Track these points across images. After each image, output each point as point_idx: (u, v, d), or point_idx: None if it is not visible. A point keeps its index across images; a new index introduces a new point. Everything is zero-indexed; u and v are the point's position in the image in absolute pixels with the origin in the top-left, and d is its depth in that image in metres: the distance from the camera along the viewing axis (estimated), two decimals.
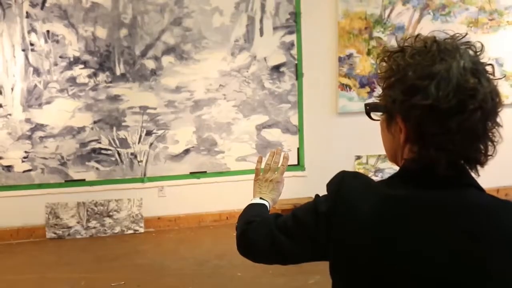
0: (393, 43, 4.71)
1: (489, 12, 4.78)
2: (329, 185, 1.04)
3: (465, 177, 0.95)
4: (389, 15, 4.67)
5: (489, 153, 0.93)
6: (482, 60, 0.93)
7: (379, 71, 0.99)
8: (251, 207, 1.39)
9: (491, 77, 0.92)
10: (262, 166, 1.54)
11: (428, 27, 4.70)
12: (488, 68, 0.93)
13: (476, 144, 0.91)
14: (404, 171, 0.98)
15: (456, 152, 0.90)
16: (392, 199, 0.95)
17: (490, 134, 0.92)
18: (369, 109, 1.04)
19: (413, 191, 0.94)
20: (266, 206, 1.40)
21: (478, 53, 0.93)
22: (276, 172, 1.50)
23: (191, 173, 4.66)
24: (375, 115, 1.04)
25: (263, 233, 1.16)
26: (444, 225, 0.90)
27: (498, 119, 0.92)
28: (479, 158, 0.93)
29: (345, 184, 1.01)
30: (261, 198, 1.43)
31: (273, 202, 1.46)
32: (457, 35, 0.96)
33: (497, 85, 0.92)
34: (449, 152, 0.89)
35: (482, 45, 0.95)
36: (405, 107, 0.91)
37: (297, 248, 1.08)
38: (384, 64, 0.98)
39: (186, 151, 4.62)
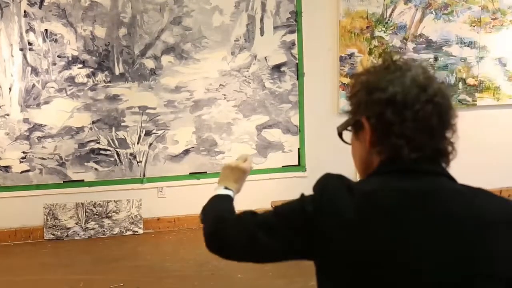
0: (395, 42, 4.70)
1: (492, 12, 4.74)
2: (314, 187, 1.08)
3: (435, 167, 1.02)
4: (391, 14, 4.63)
5: (449, 151, 1.03)
6: (432, 75, 1.06)
7: (348, 93, 1.12)
8: (218, 199, 1.42)
9: (441, 83, 1.04)
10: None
11: (430, 27, 4.67)
12: (440, 83, 1.04)
13: (433, 137, 1.00)
14: (378, 168, 1.05)
15: (415, 140, 0.99)
16: (369, 195, 1.00)
17: (447, 133, 1.02)
18: (341, 128, 1.13)
19: (389, 184, 1.01)
20: (231, 198, 1.44)
21: (429, 71, 1.05)
22: (244, 163, 1.56)
23: (191, 173, 4.62)
24: (347, 138, 1.14)
25: (240, 231, 1.17)
26: (424, 212, 0.96)
27: (453, 122, 1.03)
28: (441, 152, 1.02)
29: (329, 186, 1.05)
30: (226, 187, 1.46)
31: (237, 191, 1.49)
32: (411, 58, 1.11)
33: (447, 90, 1.04)
34: (408, 139, 0.98)
35: (433, 66, 1.11)
36: (368, 105, 1.03)
37: (278, 246, 1.09)
38: (353, 87, 1.09)
39: (186, 152, 4.58)
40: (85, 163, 4.46)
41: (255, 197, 3.80)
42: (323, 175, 1.10)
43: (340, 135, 1.15)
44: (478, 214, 0.97)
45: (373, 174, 1.06)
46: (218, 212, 1.32)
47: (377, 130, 1.02)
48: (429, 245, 0.93)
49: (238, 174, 1.51)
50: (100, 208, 4.53)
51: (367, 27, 4.61)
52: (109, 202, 4.54)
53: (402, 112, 0.98)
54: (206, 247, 1.26)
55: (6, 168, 4.36)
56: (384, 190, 1.00)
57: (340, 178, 1.06)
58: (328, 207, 1.01)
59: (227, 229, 1.22)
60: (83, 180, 4.47)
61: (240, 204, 1.44)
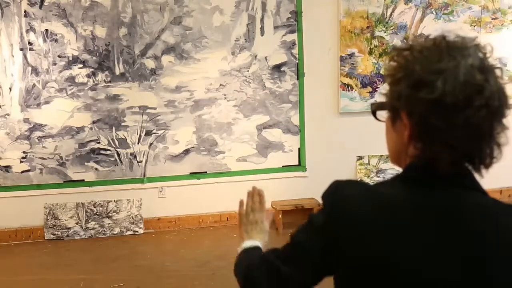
0: (395, 42, 4.70)
1: (492, 11, 4.74)
2: (324, 197, 1.02)
3: (469, 180, 0.93)
4: (391, 14, 4.63)
5: (494, 155, 0.91)
6: (491, 62, 0.92)
7: (386, 71, 0.97)
8: (246, 253, 1.31)
9: (499, 78, 0.91)
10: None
11: (430, 26, 4.67)
12: (497, 71, 0.91)
13: (481, 143, 0.89)
14: (407, 170, 0.96)
15: (460, 149, 0.88)
16: (392, 202, 0.93)
17: (496, 135, 0.90)
18: (375, 108, 1.03)
19: (414, 193, 0.93)
20: (260, 247, 1.33)
21: (487, 54, 0.92)
22: (258, 212, 1.44)
23: (191, 173, 4.62)
24: (381, 115, 1.02)
25: (264, 271, 1.11)
26: (445, 228, 0.89)
27: (505, 121, 0.91)
28: (484, 158, 0.91)
29: (340, 193, 0.98)
30: (249, 239, 1.37)
31: (264, 242, 1.38)
32: (468, 36, 0.95)
33: (505, 86, 0.91)
34: (452, 148, 0.87)
35: (492, 48, 0.93)
36: (410, 102, 0.90)
37: (305, 274, 1.03)
38: (392, 63, 0.96)
39: (186, 151, 4.58)
40: (86, 163, 4.46)
41: None
42: (332, 182, 1.02)
43: (373, 113, 1.04)
44: (505, 233, 0.89)
45: (399, 177, 0.97)
46: (245, 262, 1.24)
47: (418, 131, 0.90)
48: (444, 265, 0.87)
49: (257, 226, 1.40)
50: (101, 208, 4.53)
51: (368, 27, 4.61)
52: (109, 202, 4.54)
53: (450, 117, 0.86)
54: None
55: (7, 168, 4.36)
56: (405, 201, 0.92)
57: (351, 185, 1.00)
58: (341, 217, 0.95)
59: (254, 274, 1.15)
60: (83, 180, 4.47)
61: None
